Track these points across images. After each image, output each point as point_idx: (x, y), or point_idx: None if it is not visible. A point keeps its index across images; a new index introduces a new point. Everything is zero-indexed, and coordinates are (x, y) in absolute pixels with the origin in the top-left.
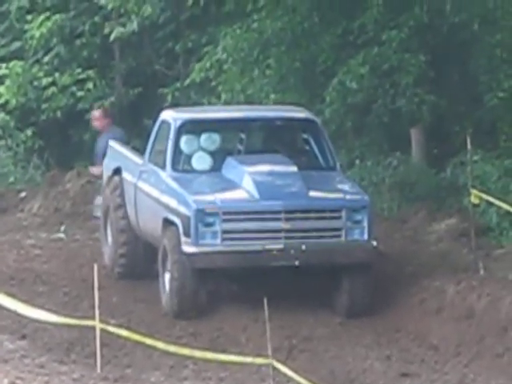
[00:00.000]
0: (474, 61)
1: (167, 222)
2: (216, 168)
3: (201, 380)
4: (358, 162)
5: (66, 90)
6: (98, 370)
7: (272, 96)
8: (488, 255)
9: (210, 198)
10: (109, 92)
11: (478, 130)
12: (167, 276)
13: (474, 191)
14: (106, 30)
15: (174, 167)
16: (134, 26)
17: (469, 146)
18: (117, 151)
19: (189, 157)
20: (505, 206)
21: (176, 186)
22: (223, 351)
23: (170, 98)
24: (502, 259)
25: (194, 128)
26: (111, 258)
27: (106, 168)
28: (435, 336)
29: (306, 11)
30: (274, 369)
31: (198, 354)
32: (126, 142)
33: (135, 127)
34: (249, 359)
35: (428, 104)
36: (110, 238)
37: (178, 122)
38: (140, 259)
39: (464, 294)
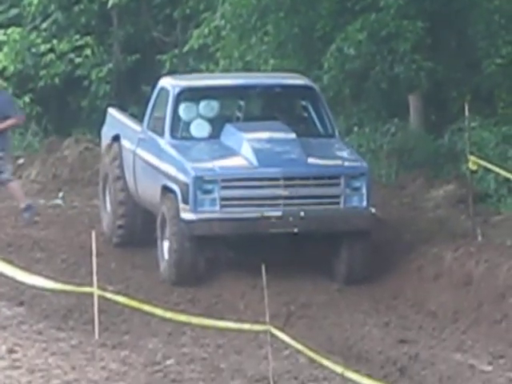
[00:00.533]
0: (472, 27)
1: (166, 190)
2: (215, 135)
3: (199, 347)
4: (356, 128)
5: (63, 57)
6: (96, 337)
7: (271, 62)
8: (486, 222)
9: (208, 165)
10: (107, 59)
11: (476, 96)
12: (166, 244)
13: (471, 158)
14: None
15: (173, 134)
16: None
17: (467, 113)
18: (115, 118)
19: (187, 124)
20: (503, 173)
21: (175, 153)
22: (221, 318)
23: (168, 64)
24: (500, 226)
25: (192, 95)
26: (110, 228)
27: (105, 135)
28: (433, 303)
29: None
30: (272, 335)
31: (195, 320)
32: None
33: (133, 94)
34: (246, 326)
35: (426, 70)
36: (108, 206)
37: (177, 89)
38: (138, 230)
39: (462, 260)
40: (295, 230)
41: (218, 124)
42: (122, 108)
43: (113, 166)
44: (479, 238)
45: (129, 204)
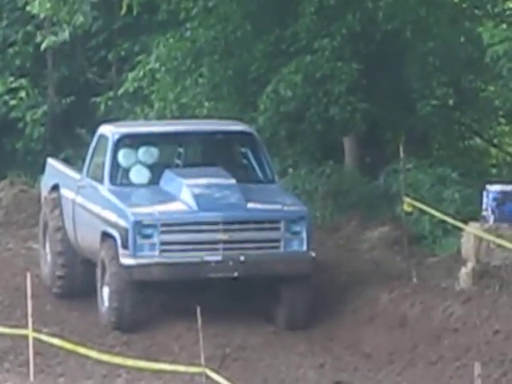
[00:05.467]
0: (407, 68)
1: (105, 236)
2: (154, 181)
3: None
4: (291, 170)
5: None
6: (31, 379)
7: (205, 104)
8: (421, 263)
9: (148, 210)
10: (41, 101)
11: (410, 138)
12: (106, 289)
13: (406, 199)
14: (39, 39)
15: (113, 181)
16: (65, 35)
17: (401, 154)
18: (54, 168)
19: (127, 170)
20: (437, 214)
21: (114, 199)
22: (156, 360)
23: (102, 107)
24: (435, 267)
25: (131, 142)
26: (49, 277)
27: (44, 185)
28: (368, 344)
29: (239, 19)
30: (207, 377)
31: (130, 362)
32: None
33: (68, 136)
34: (182, 368)
35: (361, 112)
36: (48, 256)
37: (116, 136)
38: (78, 279)
39: (397, 301)
40: (235, 274)
41: (157, 170)
42: (57, 150)
43: (53, 216)
44: (414, 280)
45: (68, 254)
